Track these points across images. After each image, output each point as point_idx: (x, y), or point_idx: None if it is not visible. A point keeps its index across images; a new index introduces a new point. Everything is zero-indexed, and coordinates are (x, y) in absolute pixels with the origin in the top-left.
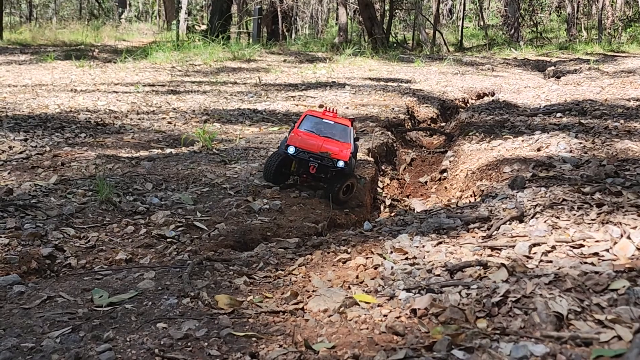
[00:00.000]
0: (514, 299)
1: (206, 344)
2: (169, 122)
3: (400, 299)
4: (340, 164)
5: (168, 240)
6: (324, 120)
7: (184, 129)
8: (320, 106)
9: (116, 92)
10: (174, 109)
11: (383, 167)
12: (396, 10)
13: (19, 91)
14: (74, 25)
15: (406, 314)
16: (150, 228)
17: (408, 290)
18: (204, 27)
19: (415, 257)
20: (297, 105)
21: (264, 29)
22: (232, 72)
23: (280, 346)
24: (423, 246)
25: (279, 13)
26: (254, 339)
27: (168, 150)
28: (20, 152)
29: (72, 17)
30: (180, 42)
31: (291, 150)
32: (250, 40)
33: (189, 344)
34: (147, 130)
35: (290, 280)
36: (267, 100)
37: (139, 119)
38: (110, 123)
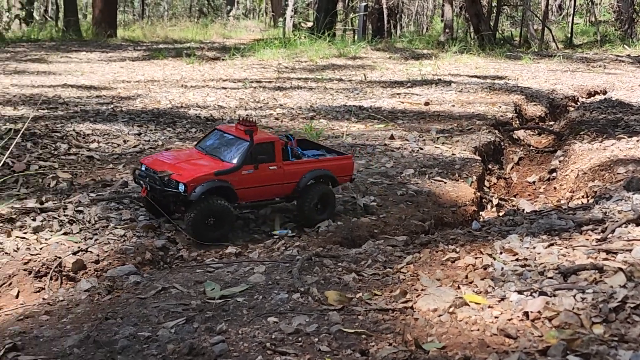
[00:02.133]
0: (632, 305)
1: (316, 339)
2: (276, 118)
3: (511, 301)
4: (181, 187)
5: (276, 235)
6: (225, 134)
7: (291, 125)
8: (244, 120)
9: (225, 88)
10: (281, 105)
11: (490, 166)
12: (503, 7)
13: (132, 87)
14: (183, 23)
15: (518, 316)
16: (259, 223)
17: (520, 292)
18: (309, 24)
19: (526, 259)
20: (402, 102)
21: (369, 26)
22: (338, 69)
23: (390, 344)
24: (534, 247)
25: (384, 10)
26: (363, 336)
27: None
28: (135, 146)
29: (182, 15)
30: (286, 39)
31: (142, 167)
32: (356, 37)
33: (299, 339)
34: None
35: (399, 278)
36: (372, 97)
37: (247, 115)
38: (219, 118)
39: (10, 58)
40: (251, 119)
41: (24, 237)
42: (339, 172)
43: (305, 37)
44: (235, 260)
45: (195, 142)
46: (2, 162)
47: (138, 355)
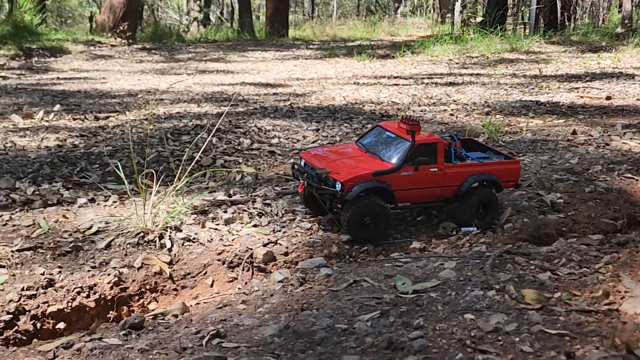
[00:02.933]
0: None
1: (517, 339)
2: (451, 114)
3: None
4: (338, 186)
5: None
6: (386, 132)
7: (466, 121)
8: (407, 118)
9: (397, 85)
10: (454, 101)
11: None
12: None
13: (306, 84)
14: (352, 22)
15: None
16: (442, 218)
17: None
18: (478, 19)
19: None
20: (581, 97)
21: (541, 19)
22: (510, 64)
23: (597, 348)
24: None
25: (557, 2)
26: (567, 338)
27: None
28: (314, 142)
29: (351, 13)
30: (456, 34)
31: (301, 162)
32: (528, 31)
33: (499, 337)
34: (430, 121)
35: (598, 278)
36: (549, 91)
37: (421, 111)
38: (393, 114)
39: (191, 58)
40: (415, 118)
41: (216, 229)
42: (504, 176)
43: (474, 32)
44: (424, 255)
45: (356, 138)
46: (194, 160)
47: (337, 347)
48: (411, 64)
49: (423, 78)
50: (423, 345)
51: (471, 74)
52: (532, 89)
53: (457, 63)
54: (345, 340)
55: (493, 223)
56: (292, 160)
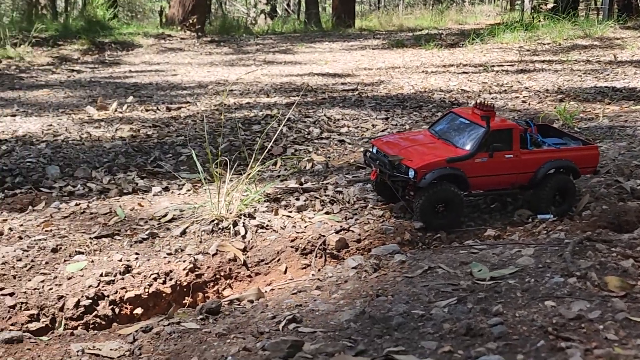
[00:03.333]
0: None
1: (601, 326)
2: (523, 101)
3: None
4: (411, 173)
5: (537, 219)
6: (460, 118)
7: (539, 107)
8: (481, 104)
9: (466, 73)
10: (526, 88)
11: None
12: None
13: (374, 74)
14: (418, 11)
15: None
16: (517, 205)
17: None
18: (549, 5)
19: None
20: None
21: (615, 4)
22: (584, 50)
23: None
24: None
25: None
26: None
27: None
28: (383, 130)
29: (417, 3)
30: (526, 21)
31: (373, 149)
32: (601, 16)
33: (582, 325)
34: (501, 109)
35: None
36: (625, 77)
37: (492, 98)
38: (463, 102)
39: (259, 50)
40: (489, 103)
41: (289, 216)
42: (582, 163)
43: (546, 18)
44: (500, 242)
45: (428, 125)
46: (266, 149)
47: (414, 332)
48: (480, 51)
49: (493, 66)
50: (503, 332)
51: (543, 61)
52: (607, 75)
53: (528, 50)
54: (423, 326)
55: (570, 210)
56: (362, 149)
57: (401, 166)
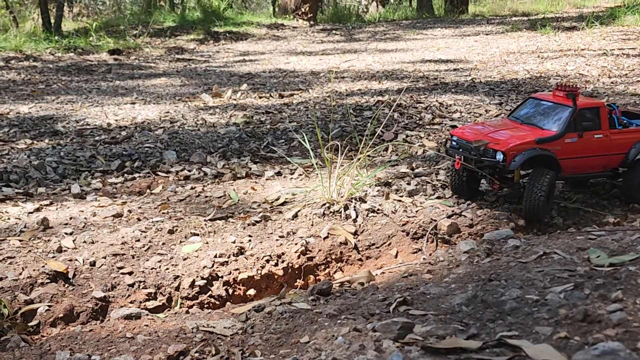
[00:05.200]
0: None
1: None
2: None
3: None
4: (499, 156)
5: None
6: (542, 102)
7: None
8: (564, 85)
9: (584, 57)
10: None
11: None
12: None
13: (487, 59)
14: None
15: None
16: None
17: None
18: None
19: None
20: None
21: None
22: None
23: None
24: None
25: None
26: None
27: None
28: (496, 116)
29: None
30: None
31: (453, 139)
32: None
33: None
34: (622, 93)
35: None
36: None
37: (612, 83)
38: (581, 87)
39: (370, 37)
40: (573, 84)
41: (400, 200)
42: None
43: None
44: (620, 228)
45: (508, 113)
46: (376, 134)
47: (528, 317)
48: (600, 35)
49: (613, 50)
50: (622, 319)
51: None
52: None
53: None
54: (537, 311)
55: None
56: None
57: (488, 151)
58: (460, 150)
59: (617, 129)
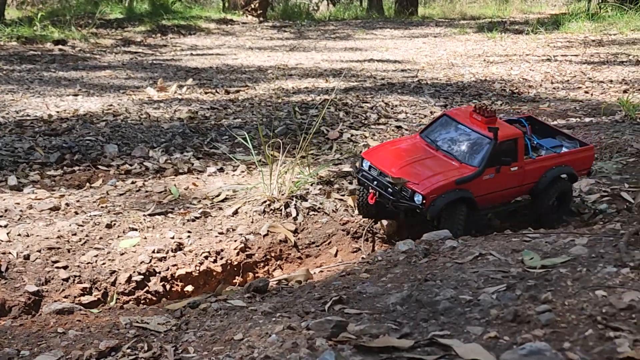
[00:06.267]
0: None
1: None
2: (586, 92)
3: None
4: (418, 198)
5: (593, 209)
6: (459, 125)
7: (601, 98)
8: (481, 108)
9: (528, 62)
10: (590, 78)
11: None
12: None
13: (435, 61)
14: (482, 0)
15: None
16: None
17: None
18: None
19: None
20: None
21: None
22: None
23: None
24: None
25: None
26: None
27: (587, 119)
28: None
29: None
30: (592, 12)
31: (365, 164)
32: None
33: (633, 315)
34: (563, 99)
35: None
36: None
37: (554, 88)
38: (524, 92)
39: (319, 36)
40: (490, 108)
41: (341, 199)
42: (579, 166)
43: (611, 9)
44: (554, 231)
45: (420, 130)
46: (320, 132)
47: (460, 317)
48: (544, 41)
49: (557, 56)
50: (551, 320)
51: (608, 52)
52: None
53: (593, 41)
54: (470, 311)
55: (566, 214)
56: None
57: (405, 190)
58: (375, 183)
59: (531, 159)
